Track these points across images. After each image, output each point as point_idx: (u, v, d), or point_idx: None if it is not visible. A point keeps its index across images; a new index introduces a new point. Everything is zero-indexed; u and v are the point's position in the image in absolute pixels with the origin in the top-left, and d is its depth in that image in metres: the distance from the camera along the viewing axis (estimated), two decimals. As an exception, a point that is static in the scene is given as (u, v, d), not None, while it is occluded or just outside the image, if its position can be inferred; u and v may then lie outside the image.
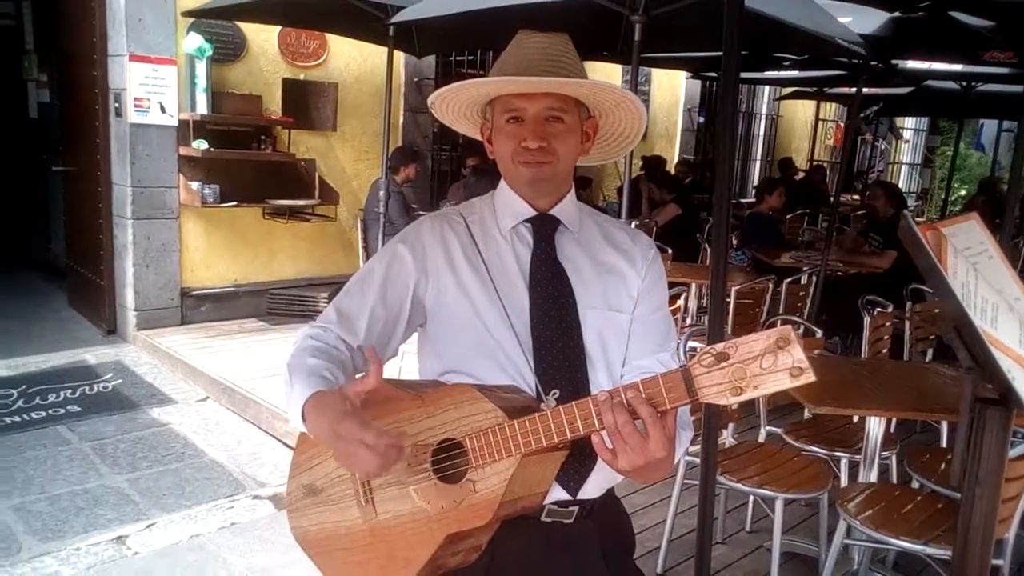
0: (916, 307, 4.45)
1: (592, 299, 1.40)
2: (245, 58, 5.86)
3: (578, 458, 1.31)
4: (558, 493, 1.33)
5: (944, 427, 3.63)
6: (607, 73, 8.42)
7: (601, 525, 1.42)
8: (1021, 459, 2.15)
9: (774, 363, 1.02)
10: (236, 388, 4.64)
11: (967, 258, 1.64)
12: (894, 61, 5.90)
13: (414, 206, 6.38)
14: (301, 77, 6.16)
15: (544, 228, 1.41)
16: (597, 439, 1.09)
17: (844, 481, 3.02)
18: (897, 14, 4.30)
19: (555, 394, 1.26)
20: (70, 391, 4.79)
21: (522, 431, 1.15)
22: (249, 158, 5.80)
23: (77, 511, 3.45)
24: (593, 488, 1.37)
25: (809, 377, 1.01)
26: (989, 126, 14.97)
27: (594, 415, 1.11)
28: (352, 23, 5.42)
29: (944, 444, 3.57)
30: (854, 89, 8.36)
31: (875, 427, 2.83)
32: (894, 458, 3.13)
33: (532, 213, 1.41)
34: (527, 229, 1.42)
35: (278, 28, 5.89)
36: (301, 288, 6.43)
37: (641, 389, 1.08)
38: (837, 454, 3.05)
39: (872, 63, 5.38)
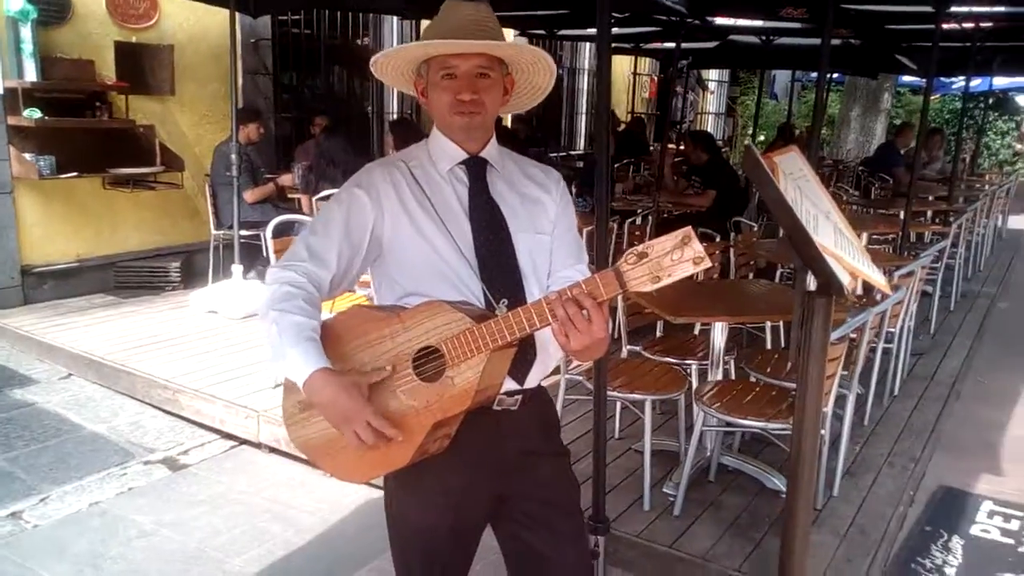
0: (738, 237, 5.09)
1: (521, 225, 1.69)
2: (72, 20, 5.56)
3: (523, 354, 1.61)
4: (507, 384, 1.63)
5: (768, 334, 4.26)
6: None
7: (537, 410, 1.74)
8: (836, 343, 2.70)
9: (681, 255, 1.36)
10: (104, 362, 4.56)
11: (793, 180, 2.08)
12: (708, 18, 6.52)
13: (262, 168, 6.35)
14: (133, 39, 5.92)
15: (476, 168, 1.68)
16: (556, 326, 1.40)
17: (695, 384, 3.52)
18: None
19: (505, 303, 1.55)
20: (-87, 380, 4.51)
21: (488, 331, 1.43)
22: (85, 126, 5.55)
23: (-39, 493, 3.37)
24: (533, 378, 1.68)
25: (707, 263, 1.36)
26: (780, 77, 16.53)
27: (547, 311, 1.41)
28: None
29: (769, 347, 4.20)
30: (667, 44, 9.08)
31: (719, 334, 3.34)
32: (732, 362, 3.67)
33: (465, 156, 1.67)
34: (462, 170, 1.68)
35: (105, -12, 5.63)
36: (149, 259, 6.27)
37: (583, 286, 1.39)
38: (687, 362, 3.55)
39: (689, 20, 5.96)
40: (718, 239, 4.85)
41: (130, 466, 3.71)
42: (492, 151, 1.71)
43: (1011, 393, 4.92)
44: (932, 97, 15.47)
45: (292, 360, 1.47)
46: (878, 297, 3.61)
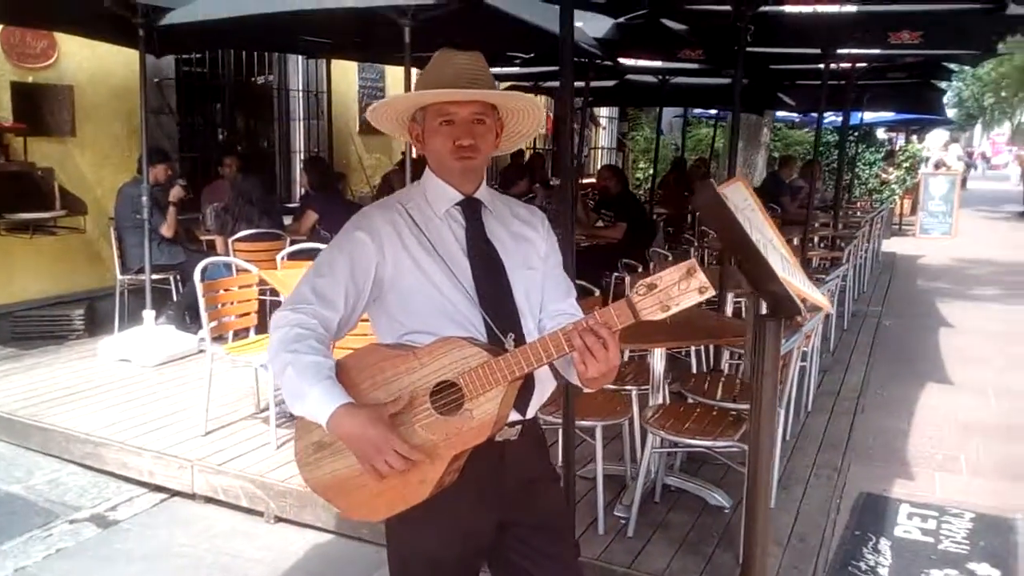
0: (655, 267, 5.33)
1: (515, 262, 1.76)
2: (-36, 60, 5.30)
3: (525, 386, 1.67)
4: (511, 415, 1.69)
5: (693, 357, 4.47)
6: (345, 68, 8.68)
7: (533, 439, 1.81)
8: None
9: (688, 286, 1.46)
10: (14, 417, 4.29)
11: (741, 211, 2.24)
12: (618, 59, 6.83)
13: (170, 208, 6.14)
14: (30, 80, 5.68)
15: (472, 209, 1.75)
16: (575, 356, 1.47)
17: (636, 409, 3.65)
18: (621, 20, 5.10)
19: (511, 337, 1.62)
20: None
21: (507, 364, 1.50)
22: (-21, 170, 5.27)
23: None
24: (532, 409, 1.75)
25: (711, 292, 1.47)
26: (666, 113, 17.29)
27: (564, 342, 1.48)
28: (91, 22, 5.16)
29: (694, 369, 4.41)
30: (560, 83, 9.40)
31: (659, 360, 3.49)
32: (668, 386, 3.83)
33: (461, 197, 1.74)
34: (458, 211, 1.75)
35: None
36: (50, 307, 5.95)
37: (598, 317, 1.48)
38: (627, 388, 3.68)
39: (598, 60, 6.23)
40: (640, 270, 5.05)
41: (55, 526, 3.51)
42: (484, 192, 1.79)
43: (906, 402, 5.34)
44: (806, 130, 16.60)
45: (314, 399, 1.49)
46: (799, 319, 3.86)
